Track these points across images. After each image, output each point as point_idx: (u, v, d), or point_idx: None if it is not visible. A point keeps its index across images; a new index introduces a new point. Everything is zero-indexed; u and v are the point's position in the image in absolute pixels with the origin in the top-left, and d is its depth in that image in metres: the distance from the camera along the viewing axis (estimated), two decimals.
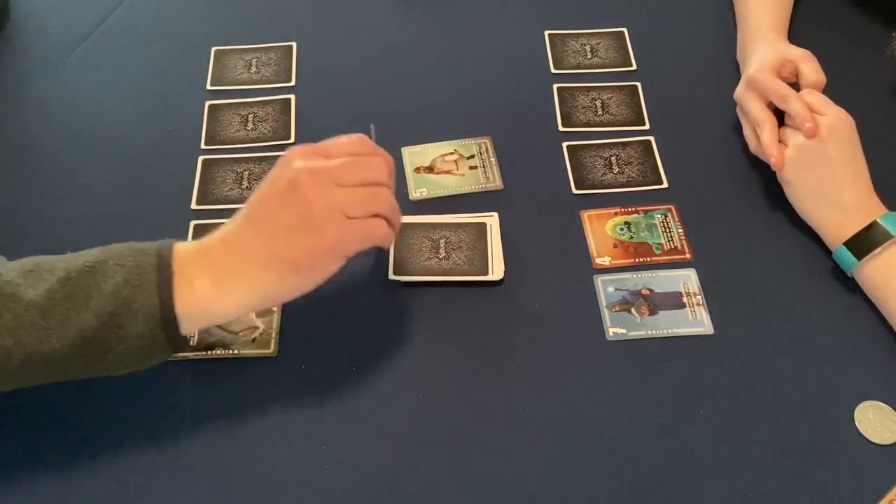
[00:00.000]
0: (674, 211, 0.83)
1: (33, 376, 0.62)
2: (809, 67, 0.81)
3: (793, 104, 0.78)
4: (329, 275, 0.65)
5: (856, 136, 0.77)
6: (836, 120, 0.77)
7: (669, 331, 0.74)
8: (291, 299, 0.66)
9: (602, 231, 0.81)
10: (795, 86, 0.81)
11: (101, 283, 0.60)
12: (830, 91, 0.81)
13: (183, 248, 0.63)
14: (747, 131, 0.83)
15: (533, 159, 0.87)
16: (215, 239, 0.64)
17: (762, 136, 0.80)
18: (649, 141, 0.89)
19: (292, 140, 0.89)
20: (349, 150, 0.67)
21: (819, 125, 0.76)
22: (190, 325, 0.63)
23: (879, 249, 0.73)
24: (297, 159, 0.64)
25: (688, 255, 0.79)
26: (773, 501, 0.65)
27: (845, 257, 0.74)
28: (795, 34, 0.91)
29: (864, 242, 0.73)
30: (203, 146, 0.89)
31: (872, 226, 0.74)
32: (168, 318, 0.61)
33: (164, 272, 0.61)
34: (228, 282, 0.63)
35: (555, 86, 0.94)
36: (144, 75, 0.95)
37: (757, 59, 0.84)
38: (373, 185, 0.66)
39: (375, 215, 0.67)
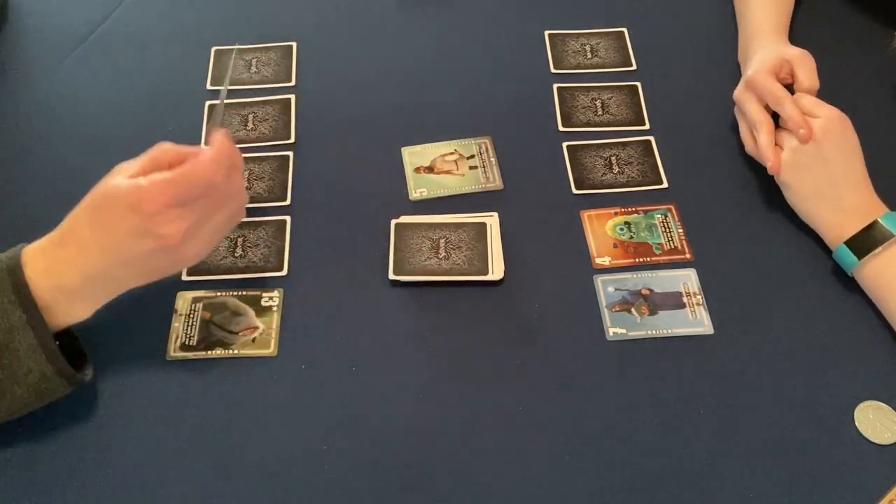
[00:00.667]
0: (674, 211, 0.83)
1: None
2: (804, 71, 0.81)
3: (787, 108, 0.78)
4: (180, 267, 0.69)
5: (852, 136, 0.77)
6: (829, 121, 0.77)
7: (669, 331, 0.74)
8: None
9: (602, 231, 0.81)
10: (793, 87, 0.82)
11: None
12: (831, 91, 0.81)
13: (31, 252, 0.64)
14: (744, 132, 0.83)
15: (533, 159, 0.87)
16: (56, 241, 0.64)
17: (759, 138, 0.80)
18: (649, 141, 0.89)
19: (292, 140, 0.89)
20: (206, 185, 0.64)
21: (812, 130, 0.76)
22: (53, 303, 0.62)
23: (880, 249, 0.73)
24: (162, 224, 0.62)
25: (688, 255, 0.79)
26: (773, 501, 0.65)
27: (846, 257, 0.74)
28: (795, 34, 0.91)
29: (865, 242, 0.73)
30: (203, 146, 0.88)
31: (873, 225, 0.74)
32: (48, 350, 0.62)
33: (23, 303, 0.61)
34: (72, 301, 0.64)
35: (555, 86, 0.94)
36: (144, 75, 0.95)
37: (757, 59, 0.84)
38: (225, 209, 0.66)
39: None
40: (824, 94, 0.81)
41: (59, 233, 0.65)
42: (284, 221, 0.82)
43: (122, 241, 0.62)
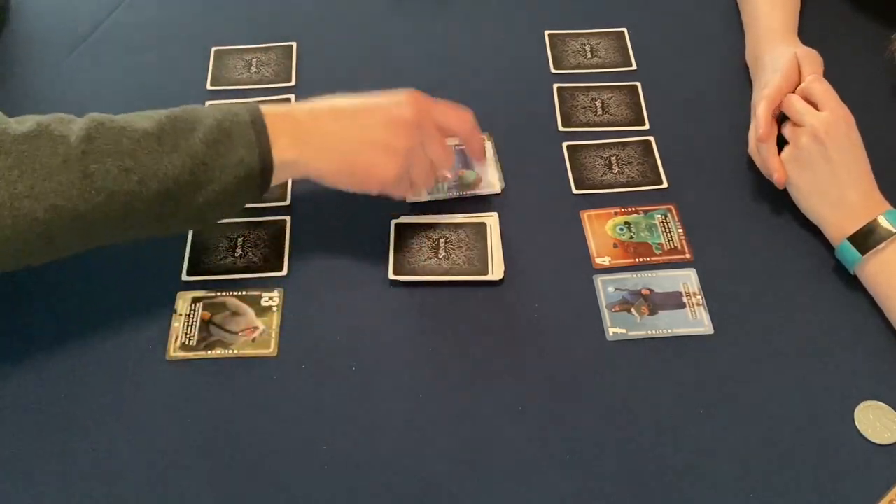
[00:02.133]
0: (674, 211, 0.83)
1: (138, 209, 0.66)
2: (810, 69, 0.81)
3: (806, 117, 0.78)
4: (372, 193, 0.75)
5: (855, 134, 0.77)
6: (835, 118, 0.77)
7: (669, 331, 0.74)
8: (340, 188, 0.75)
9: (602, 231, 0.81)
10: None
11: (204, 119, 0.69)
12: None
13: (268, 107, 0.71)
14: (752, 133, 0.83)
15: (533, 159, 0.87)
16: (302, 104, 0.74)
17: (762, 150, 0.80)
18: (649, 141, 0.89)
19: None
20: (454, 119, 0.77)
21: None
22: (280, 171, 0.71)
23: (882, 245, 0.73)
24: (414, 104, 0.73)
25: (688, 255, 0.79)
26: (773, 501, 0.65)
27: (848, 253, 0.74)
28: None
29: (867, 239, 0.73)
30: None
31: (875, 222, 0.74)
32: (263, 148, 0.69)
33: (254, 115, 0.70)
34: (306, 145, 0.71)
35: (555, 86, 0.94)
36: (144, 75, 0.95)
37: (772, 63, 0.84)
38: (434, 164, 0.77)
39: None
40: None
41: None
42: (284, 221, 0.82)
43: (365, 103, 0.73)
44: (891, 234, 0.73)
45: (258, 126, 0.69)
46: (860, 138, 0.77)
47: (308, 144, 0.72)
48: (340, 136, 0.72)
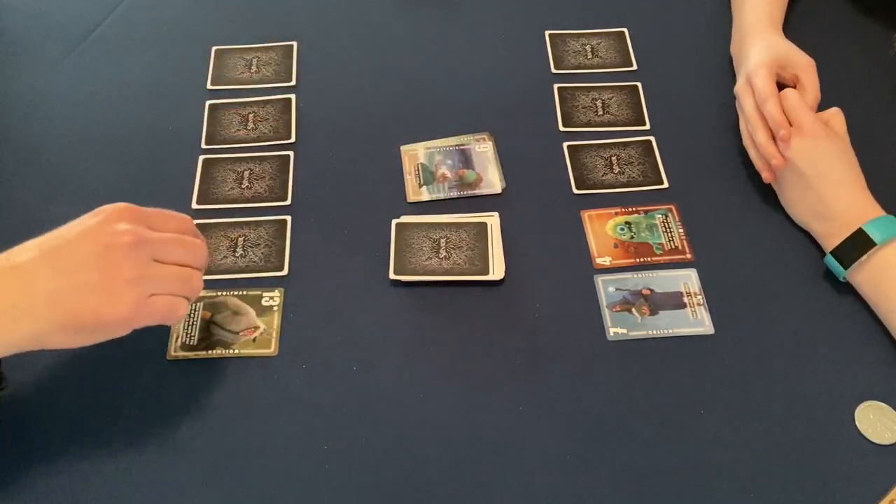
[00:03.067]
0: (674, 211, 0.83)
1: None
2: (810, 82, 0.81)
3: (768, 106, 0.79)
4: (116, 337, 0.61)
5: (831, 144, 0.77)
6: (808, 143, 0.77)
7: (670, 331, 0.74)
8: (68, 348, 0.61)
9: (602, 231, 0.81)
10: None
11: None
12: (833, 92, 0.81)
13: None
14: (743, 126, 0.84)
15: (533, 159, 0.87)
16: (4, 262, 0.59)
17: (756, 137, 0.80)
18: (650, 141, 0.89)
19: (292, 140, 0.89)
20: (174, 226, 0.65)
21: (791, 132, 0.77)
22: None
23: (865, 258, 0.73)
24: (122, 222, 0.61)
25: (688, 255, 0.79)
26: (773, 501, 0.65)
27: (833, 266, 0.75)
28: (796, 34, 0.91)
29: (849, 251, 0.73)
30: (203, 146, 0.89)
31: (857, 234, 0.73)
32: None
33: None
34: (3, 315, 0.58)
35: (555, 86, 0.94)
36: (144, 75, 0.95)
37: (756, 53, 0.84)
38: (187, 268, 0.65)
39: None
40: (825, 94, 0.81)
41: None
42: (284, 221, 0.82)
43: (69, 241, 0.60)
44: (870, 246, 0.72)
45: None
46: (841, 144, 0.77)
47: (1, 315, 0.57)
48: (43, 288, 0.58)
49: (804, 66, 0.83)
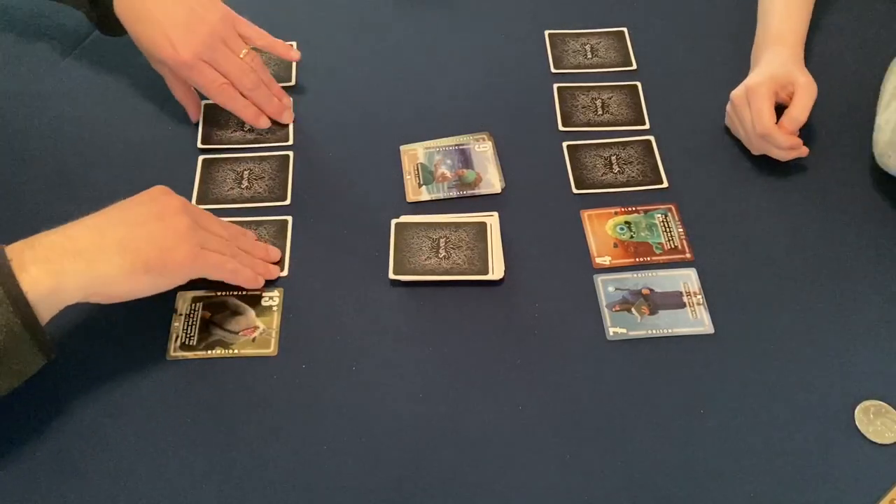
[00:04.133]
0: (674, 210, 0.83)
1: None
2: (801, 102, 0.82)
3: (754, 144, 0.84)
4: (172, 286, 0.69)
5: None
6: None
7: (670, 330, 0.74)
8: (128, 299, 0.67)
9: (602, 230, 0.81)
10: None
11: None
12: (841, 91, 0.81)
13: (12, 245, 0.63)
14: (731, 122, 0.87)
15: (533, 159, 0.87)
16: (48, 231, 0.65)
17: (776, 138, 0.82)
18: (649, 140, 0.89)
19: (291, 141, 0.89)
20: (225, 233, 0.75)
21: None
22: (46, 307, 0.63)
23: None
24: (169, 195, 0.71)
25: (688, 255, 0.79)
26: (773, 501, 0.65)
27: None
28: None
29: None
30: (199, 145, 0.88)
31: None
32: (18, 300, 0.60)
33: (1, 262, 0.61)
34: (65, 264, 0.62)
35: (555, 85, 0.94)
36: (144, 75, 0.95)
37: (765, 69, 0.85)
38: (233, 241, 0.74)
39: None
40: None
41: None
42: (285, 221, 0.82)
43: (131, 204, 0.69)
44: None
45: (3, 272, 0.60)
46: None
47: (70, 259, 0.63)
48: (111, 235, 0.65)
49: (802, 84, 0.83)
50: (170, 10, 0.83)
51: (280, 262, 0.79)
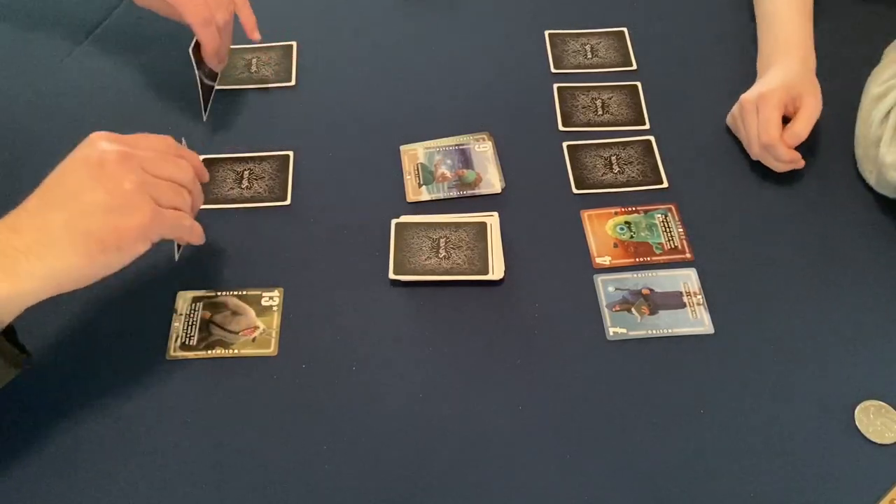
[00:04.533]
0: (674, 210, 0.83)
1: None
2: (804, 117, 0.81)
3: (754, 150, 0.83)
4: (134, 257, 0.62)
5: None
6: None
7: (670, 330, 0.74)
8: (96, 280, 0.61)
9: (602, 231, 0.81)
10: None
11: None
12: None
13: None
14: (734, 122, 0.87)
15: (533, 159, 0.87)
16: (13, 212, 0.60)
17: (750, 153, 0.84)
18: (649, 141, 0.89)
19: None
20: (156, 146, 0.66)
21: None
22: (5, 311, 0.59)
23: None
24: (103, 141, 0.62)
25: (688, 255, 0.79)
26: (772, 501, 0.65)
27: None
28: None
29: None
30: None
31: None
32: None
33: None
34: (17, 266, 0.58)
35: (555, 85, 0.94)
36: (144, 75, 0.95)
37: (779, 77, 0.84)
38: (177, 183, 0.66)
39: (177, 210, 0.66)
40: None
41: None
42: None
43: (63, 173, 0.62)
44: None
45: None
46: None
47: (22, 259, 0.58)
48: (56, 221, 0.59)
49: (809, 102, 0.82)
50: None
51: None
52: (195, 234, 0.68)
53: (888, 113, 0.80)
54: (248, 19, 0.89)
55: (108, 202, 0.60)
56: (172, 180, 0.65)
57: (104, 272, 0.62)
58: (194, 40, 0.84)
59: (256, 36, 0.90)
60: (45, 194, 0.61)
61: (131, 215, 0.61)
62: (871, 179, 0.81)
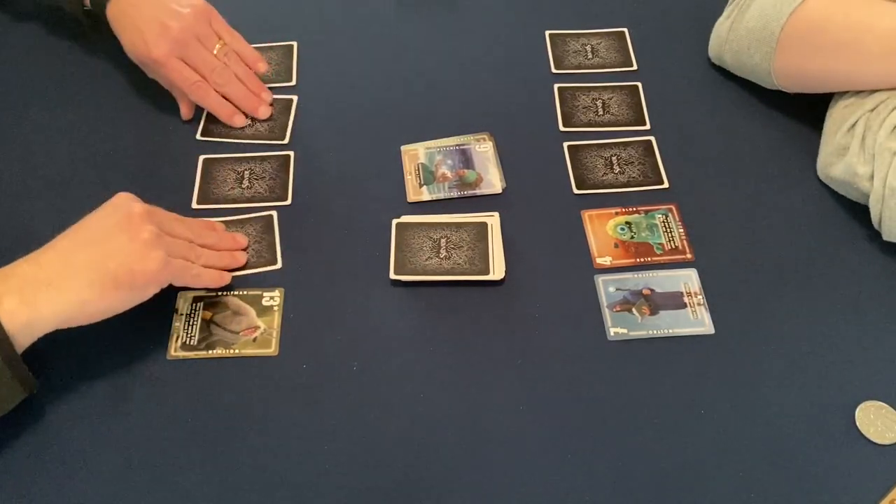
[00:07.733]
0: (674, 211, 0.83)
1: None
2: None
3: None
4: (143, 299, 0.69)
5: None
6: None
7: (670, 331, 0.74)
8: (104, 317, 0.68)
9: (603, 231, 0.81)
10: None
11: None
12: None
13: None
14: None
15: (534, 159, 0.87)
16: (21, 260, 0.66)
17: None
18: (650, 141, 0.89)
19: (287, 140, 0.89)
20: (175, 216, 0.75)
21: None
22: (24, 337, 0.64)
23: None
24: (131, 201, 0.71)
25: (688, 255, 0.79)
26: (773, 501, 0.65)
27: None
28: None
29: None
30: (199, 137, 0.88)
31: None
32: None
33: None
34: (38, 295, 0.64)
35: (555, 86, 0.94)
36: (144, 74, 0.95)
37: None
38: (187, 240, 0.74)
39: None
40: None
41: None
42: (269, 218, 0.82)
43: (93, 220, 0.69)
44: None
45: None
46: None
47: (43, 289, 0.64)
48: (78, 259, 0.66)
49: None
50: (145, 11, 0.85)
51: (246, 248, 0.79)
52: (202, 282, 0.74)
53: (854, 124, 0.79)
54: (250, 55, 0.91)
55: (127, 247, 0.67)
56: (183, 238, 0.73)
57: (117, 308, 0.68)
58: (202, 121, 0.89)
59: (262, 69, 0.91)
60: (73, 237, 0.68)
61: (145, 261, 0.68)
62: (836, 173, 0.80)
